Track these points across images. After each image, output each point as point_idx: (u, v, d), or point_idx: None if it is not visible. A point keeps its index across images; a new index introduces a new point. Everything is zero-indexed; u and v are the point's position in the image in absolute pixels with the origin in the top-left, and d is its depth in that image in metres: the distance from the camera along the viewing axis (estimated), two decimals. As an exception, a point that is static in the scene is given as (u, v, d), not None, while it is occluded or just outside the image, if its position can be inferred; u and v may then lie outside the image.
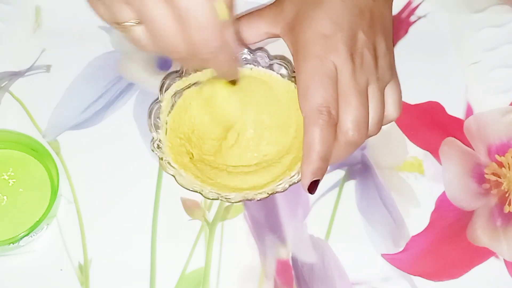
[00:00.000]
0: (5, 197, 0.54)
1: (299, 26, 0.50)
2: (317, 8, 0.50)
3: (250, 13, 0.52)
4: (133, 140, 0.58)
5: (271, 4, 0.52)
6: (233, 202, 0.53)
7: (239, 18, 0.52)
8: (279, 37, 0.54)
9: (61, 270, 0.54)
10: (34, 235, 0.53)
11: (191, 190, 0.52)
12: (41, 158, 0.55)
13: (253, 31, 0.52)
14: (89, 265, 0.54)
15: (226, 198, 0.52)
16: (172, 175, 0.53)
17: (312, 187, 0.50)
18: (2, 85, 0.60)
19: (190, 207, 0.56)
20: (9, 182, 0.54)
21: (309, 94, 0.48)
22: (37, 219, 0.52)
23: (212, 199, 0.53)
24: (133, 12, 0.43)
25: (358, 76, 0.50)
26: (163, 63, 0.61)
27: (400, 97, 0.54)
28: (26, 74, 0.60)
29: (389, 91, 0.53)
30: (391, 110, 0.53)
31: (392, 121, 0.54)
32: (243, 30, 0.52)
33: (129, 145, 0.58)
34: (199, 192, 0.52)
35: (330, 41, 0.49)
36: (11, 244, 0.52)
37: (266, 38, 0.54)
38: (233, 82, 0.54)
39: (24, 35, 0.61)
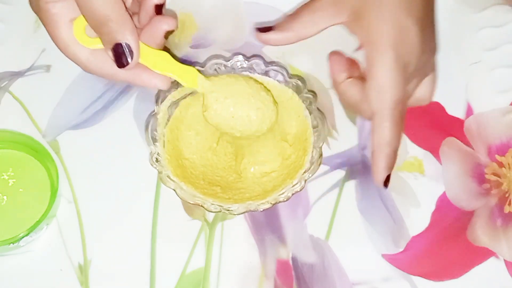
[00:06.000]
0: (5, 197, 0.54)
1: (372, 13, 0.48)
2: None
3: (300, 8, 0.50)
4: (133, 140, 0.58)
5: None
6: (235, 214, 0.53)
7: (290, 15, 0.51)
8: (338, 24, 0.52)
9: (61, 270, 0.54)
10: (34, 235, 0.53)
11: (193, 204, 0.52)
12: (41, 158, 0.55)
13: (312, 27, 0.51)
14: (89, 265, 0.54)
15: (228, 210, 0.52)
16: (172, 189, 0.52)
17: (387, 181, 0.51)
18: (2, 85, 0.60)
19: (190, 207, 0.56)
20: (9, 182, 0.54)
21: (386, 89, 0.49)
22: (37, 219, 0.52)
23: (215, 211, 0.52)
24: None
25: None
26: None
27: (434, 88, 0.55)
28: (26, 74, 0.60)
29: (427, 81, 0.54)
30: (427, 95, 0.55)
31: (421, 104, 0.56)
32: (298, 28, 0.51)
33: (129, 145, 0.58)
34: (201, 205, 0.52)
35: (407, 35, 0.48)
36: (11, 244, 0.52)
37: (324, 29, 0.52)
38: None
39: (24, 35, 0.61)
